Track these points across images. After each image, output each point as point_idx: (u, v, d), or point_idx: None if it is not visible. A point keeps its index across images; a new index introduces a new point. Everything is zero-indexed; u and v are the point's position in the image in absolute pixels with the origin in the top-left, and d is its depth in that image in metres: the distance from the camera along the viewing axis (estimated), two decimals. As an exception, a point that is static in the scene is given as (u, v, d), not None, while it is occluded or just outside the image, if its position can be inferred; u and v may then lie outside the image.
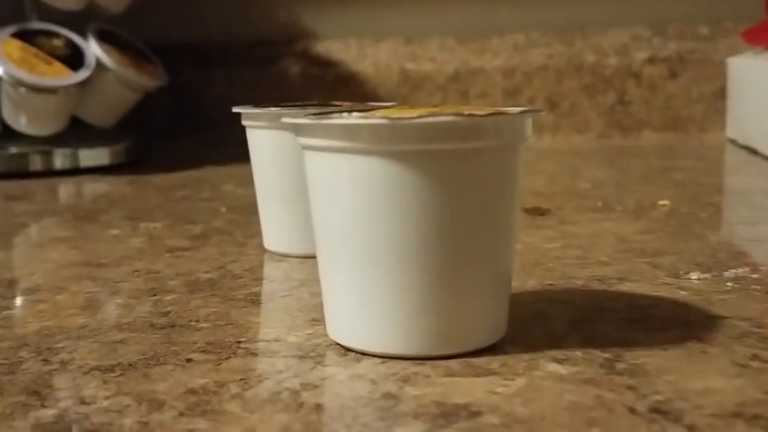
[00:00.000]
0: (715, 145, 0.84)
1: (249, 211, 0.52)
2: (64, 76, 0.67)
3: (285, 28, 0.97)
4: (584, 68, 0.92)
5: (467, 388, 0.22)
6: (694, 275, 0.34)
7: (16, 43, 0.68)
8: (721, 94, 0.90)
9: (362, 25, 0.96)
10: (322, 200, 0.25)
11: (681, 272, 0.35)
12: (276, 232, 0.39)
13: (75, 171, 0.73)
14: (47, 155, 0.72)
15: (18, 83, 0.66)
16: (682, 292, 0.32)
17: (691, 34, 0.92)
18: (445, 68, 0.94)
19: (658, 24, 0.92)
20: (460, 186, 0.24)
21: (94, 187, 0.67)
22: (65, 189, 0.66)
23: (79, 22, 0.73)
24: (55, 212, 0.55)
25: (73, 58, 0.69)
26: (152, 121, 0.96)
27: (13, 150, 0.71)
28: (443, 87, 0.94)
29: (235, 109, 0.39)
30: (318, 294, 0.32)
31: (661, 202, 0.53)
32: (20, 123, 0.70)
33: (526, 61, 0.93)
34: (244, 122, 0.39)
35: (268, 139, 0.38)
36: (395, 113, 0.24)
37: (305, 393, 0.22)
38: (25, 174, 0.71)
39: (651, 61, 0.92)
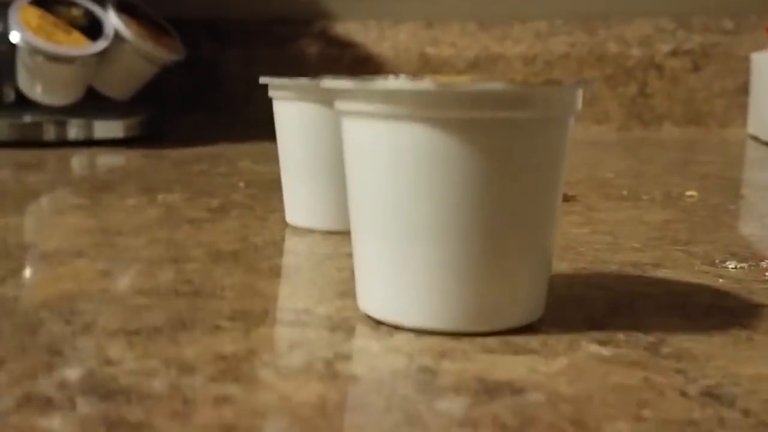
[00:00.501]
0: (736, 141, 0.83)
1: (268, 187, 0.51)
2: (82, 46, 0.66)
3: (305, 7, 0.96)
4: (606, 58, 0.91)
5: (507, 365, 0.21)
6: (730, 264, 0.33)
7: (35, 11, 0.67)
8: (743, 89, 0.89)
9: (382, 7, 0.95)
10: (360, 169, 0.24)
11: (717, 261, 0.34)
12: (300, 205, 0.38)
13: (89, 142, 0.72)
14: (61, 125, 0.71)
15: (35, 51, 0.65)
16: (721, 280, 0.31)
17: (716, 28, 0.90)
18: (465, 53, 0.92)
19: (683, 16, 0.90)
20: (505, 158, 0.23)
21: (108, 159, 0.66)
22: (79, 160, 0.65)
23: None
24: (70, 182, 0.54)
25: (92, 29, 0.68)
26: (167, 97, 0.95)
27: (27, 119, 0.71)
28: (463, 73, 0.93)
29: (262, 80, 0.38)
30: (344, 268, 0.31)
31: (688, 193, 0.52)
32: (36, 92, 0.69)
33: (547, 49, 0.91)
34: (271, 93, 0.38)
35: (294, 111, 0.37)
36: (442, 80, 0.23)
37: (339, 364, 0.21)
38: (39, 143, 0.70)
39: (674, 53, 0.90)
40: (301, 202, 0.38)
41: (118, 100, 0.75)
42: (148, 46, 0.71)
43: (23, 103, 0.71)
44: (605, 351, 0.23)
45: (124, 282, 0.29)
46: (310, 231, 0.38)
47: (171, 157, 0.65)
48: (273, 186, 0.51)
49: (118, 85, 0.73)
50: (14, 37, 0.65)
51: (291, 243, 0.36)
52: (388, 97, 0.23)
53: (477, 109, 0.22)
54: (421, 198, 0.23)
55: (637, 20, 0.91)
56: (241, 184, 0.52)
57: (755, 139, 0.82)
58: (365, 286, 0.25)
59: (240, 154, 0.67)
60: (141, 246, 0.35)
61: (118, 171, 0.58)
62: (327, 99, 0.36)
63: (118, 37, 0.69)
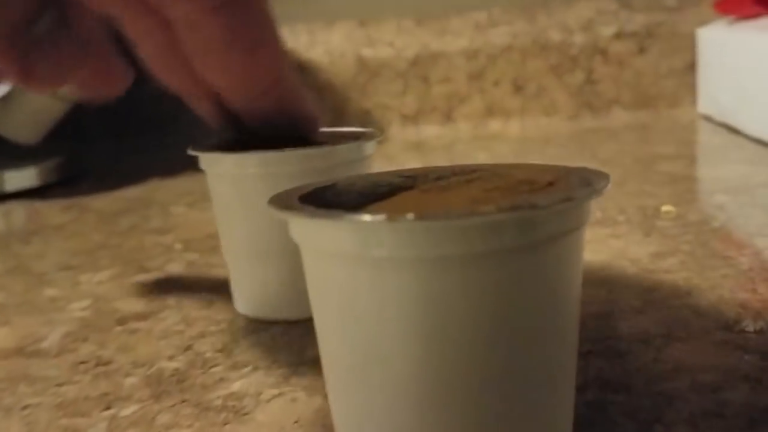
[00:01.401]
0: (687, 122, 0.80)
1: (208, 246, 0.45)
2: (-21, 92, 0.59)
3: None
4: (550, 47, 0.87)
5: None
6: (747, 325, 0.29)
7: None
8: (691, 67, 0.86)
9: (311, 9, 0.89)
10: (331, 320, 0.19)
11: (730, 321, 0.30)
12: (251, 292, 0.33)
13: (0, 196, 0.64)
14: (-33, 179, 0.63)
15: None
16: (746, 356, 0.27)
17: (658, 5, 0.87)
18: (405, 53, 0.87)
19: (625, -4, 0.87)
20: (515, 294, 0.18)
21: (23, 216, 0.59)
22: (-10, 221, 0.58)
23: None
24: (-20, 260, 0.47)
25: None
26: (84, 125, 0.87)
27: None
28: (403, 74, 0.88)
29: (191, 152, 0.32)
30: (315, 393, 0.26)
31: (664, 209, 0.48)
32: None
33: (489, 43, 0.87)
34: (203, 166, 0.32)
35: (232, 186, 0.31)
36: (424, 201, 0.18)
37: None
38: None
39: (618, 36, 0.87)
40: (252, 288, 0.33)
41: (26, 144, 0.67)
42: (56, 83, 0.63)
43: None
44: None
45: (44, 452, 0.23)
46: (265, 323, 0.32)
47: (94, 209, 0.58)
48: (212, 244, 0.45)
49: (25, 127, 0.65)
50: None
51: (245, 346, 0.30)
52: (363, 235, 0.17)
53: (472, 243, 0.17)
54: (412, 347, 0.18)
55: (577, 3, 0.87)
56: (178, 245, 0.46)
57: (708, 119, 0.80)
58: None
59: (173, 196, 0.61)
60: (65, 377, 0.29)
61: (36, 238, 0.52)
62: (269, 169, 0.30)
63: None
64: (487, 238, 0.17)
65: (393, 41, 0.88)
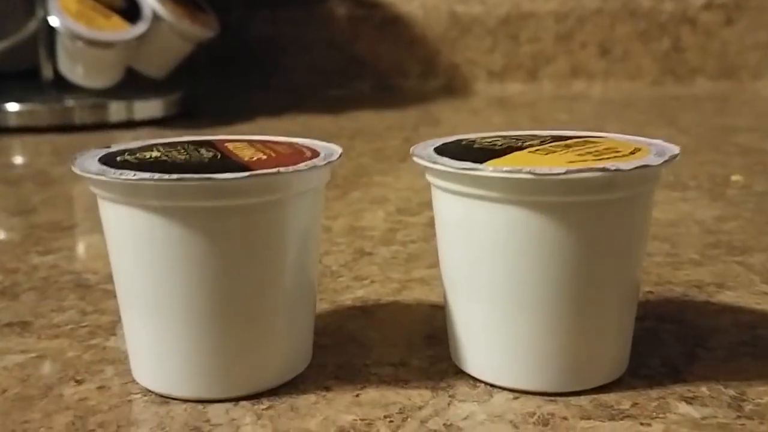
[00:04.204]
0: (769, 96, 0.83)
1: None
2: (122, 30, 0.66)
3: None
4: (639, 13, 0.90)
5: (607, 433, 0.23)
6: (790, 282, 0.35)
7: (72, -5, 0.67)
8: (778, 41, 0.88)
9: (410, -35, 0.93)
10: (452, 243, 0.25)
11: (776, 278, 0.35)
12: (149, 359, 0.25)
13: (129, 123, 0.73)
14: (102, 108, 0.72)
15: (76, 37, 0.65)
16: (784, 306, 0.32)
17: (751, -22, 0.89)
18: (496, 11, 0.91)
19: (718, -33, 0.89)
20: (597, 234, 0.24)
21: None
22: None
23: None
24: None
25: (130, 11, 0.68)
26: (197, 64, 0.95)
27: (68, 102, 0.71)
28: (493, 31, 0.92)
29: (75, 169, 0.25)
30: None
31: (733, 178, 0.53)
32: (77, 75, 0.69)
33: (579, 5, 0.90)
34: (93, 189, 0.25)
35: (129, 217, 0.24)
36: (531, 161, 0.24)
37: (453, 437, 0.23)
38: (79, 127, 0.71)
39: (707, 7, 0.89)
40: (150, 354, 0.25)
41: (154, 78, 0.75)
42: (185, 25, 0.71)
43: (63, 86, 0.72)
44: (694, 412, 0.24)
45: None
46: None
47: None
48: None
49: (155, 63, 0.73)
50: (54, 22, 0.65)
51: (368, 265, 0.37)
52: (486, 181, 0.24)
53: (570, 194, 0.23)
54: (522, 271, 0.24)
55: (671, -27, 0.89)
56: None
57: (790, 94, 0.82)
58: (463, 344, 0.26)
59: (282, 132, 0.68)
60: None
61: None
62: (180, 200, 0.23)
63: (155, 17, 0.69)
64: (579, 191, 0.23)
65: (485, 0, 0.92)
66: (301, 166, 0.24)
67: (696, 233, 0.42)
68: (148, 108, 0.73)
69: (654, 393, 0.25)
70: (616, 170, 0.23)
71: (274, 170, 0.24)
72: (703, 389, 0.26)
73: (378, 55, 0.92)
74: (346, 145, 0.63)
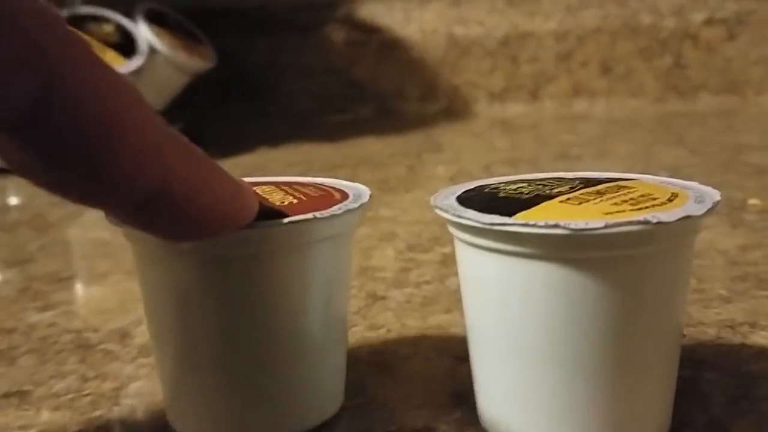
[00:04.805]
0: (776, 111, 0.81)
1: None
2: (119, 65, 0.65)
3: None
4: (639, 31, 0.89)
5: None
6: (827, 319, 0.33)
7: (63, 29, 0.65)
8: (781, 55, 0.87)
9: (407, -12, 0.92)
10: (482, 301, 0.24)
11: (812, 314, 0.34)
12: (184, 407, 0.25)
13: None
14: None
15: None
16: (826, 347, 0.31)
17: (751, -8, 0.88)
18: (495, 32, 0.90)
19: (718, -18, 0.88)
20: (638, 289, 0.22)
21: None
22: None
23: (123, 1, 0.70)
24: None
25: (125, 45, 0.66)
26: (196, 92, 0.94)
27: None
28: (492, 52, 0.91)
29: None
30: None
31: (750, 201, 0.51)
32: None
33: (579, 24, 0.89)
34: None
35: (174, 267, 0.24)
36: (564, 212, 0.23)
37: None
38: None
39: (708, 22, 0.88)
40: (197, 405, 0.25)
41: (152, 111, 0.74)
42: (182, 57, 0.69)
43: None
44: (746, 478, 0.23)
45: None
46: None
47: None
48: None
49: (152, 97, 0.72)
50: (46, 59, 0.64)
51: (382, 311, 0.36)
52: (522, 238, 0.22)
53: (610, 249, 0.22)
54: (562, 330, 0.22)
55: (670, -11, 0.89)
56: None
57: (796, 108, 0.81)
58: (490, 408, 0.25)
59: (283, 166, 0.67)
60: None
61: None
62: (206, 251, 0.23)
63: (151, 51, 0.67)
64: (619, 245, 0.21)
65: (484, 20, 0.91)
66: (335, 209, 0.24)
67: (721, 265, 0.40)
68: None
69: (702, 457, 0.24)
70: (658, 223, 0.21)
71: (310, 215, 0.23)
72: (755, 450, 0.24)
73: (377, 79, 0.90)
74: (350, 174, 0.62)
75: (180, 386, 0.25)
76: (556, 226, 0.21)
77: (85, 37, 0.65)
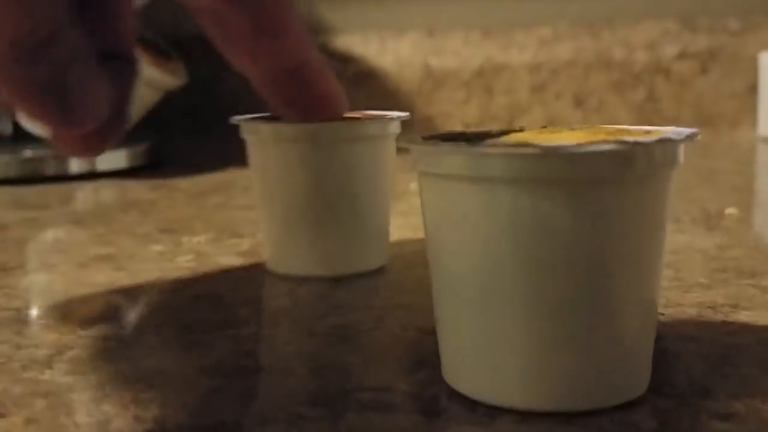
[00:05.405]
0: (748, 143, 0.82)
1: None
2: (84, 76, 0.63)
3: (304, 21, 0.93)
4: (613, 64, 0.89)
5: (637, 456, 0.19)
6: (810, 301, 0.31)
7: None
8: (752, 90, 0.87)
9: (383, 18, 0.93)
10: (444, 238, 0.22)
11: (794, 297, 0.32)
12: (296, 251, 0.36)
13: (91, 175, 0.69)
14: (62, 159, 0.68)
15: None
16: (809, 323, 0.29)
17: (721, 28, 0.89)
18: (469, 64, 0.91)
19: (688, 17, 0.89)
20: (613, 221, 0.21)
21: (116, 192, 0.63)
22: (86, 195, 0.62)
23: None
24: (86, 224, 0.51)
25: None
26: (166, 119, 0.92)
27: (27, 153, 0.68)
28: (467, 83, 0.91)
29: (233, 120, 0.37)
30: (407, 326, 0.29)
31: (727, 211, 0.50)
32: (37, 126, 0.66)
33: (553, 57, 0.90)
34: (244, 136, 0.37)
35: (275, 153, 0.35)
36: (537, 137, 0.21)
37: (453, 465, 0.19)
38: (39, 179, 0.68)
39: (681, 56, 0.89)
40: (294, 247, 0.36)
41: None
42: (152, 73, 0.68)
43: (22, 137, 0.68)
44: (735, 428, 0.21)
45: (183, 359, 0.27)
46: (306, 279, 0.35)
47: (182, 189, 0.63)
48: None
49: (120, 113, 0.70)
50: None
51: (337, 296, 0.34)
52: (491, 160, 0.20)
53: (583, 172, 0.20)
54: (522, 267, 0.21)
55: (642, 23, 0.90)
56: (265, 220, 0.50)
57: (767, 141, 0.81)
58: (457, 362, 0.23)
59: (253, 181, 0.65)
60: (184, 306, 0.32)
61: (133, 210, 0.56)
62: (307, 138, 0.34)
63: (119, 64, 0.66)
64: (593, 168, 0.20)
65: (459, 51, 0.91)
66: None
67: (700, 260, 0.39)
68: (112, 159, 0.69)
69: (684, 411, 0.22)
70: (635, 143, 0.20)
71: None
72: (739, 406, 0.22)
73: (352, 109, 0.90)
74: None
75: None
76: (527, 145, 0.20)
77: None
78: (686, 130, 0.22)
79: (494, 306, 0.21)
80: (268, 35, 0.26)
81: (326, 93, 0.30)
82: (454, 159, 0.21)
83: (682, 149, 0.22)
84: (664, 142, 0.20)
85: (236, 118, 0.36)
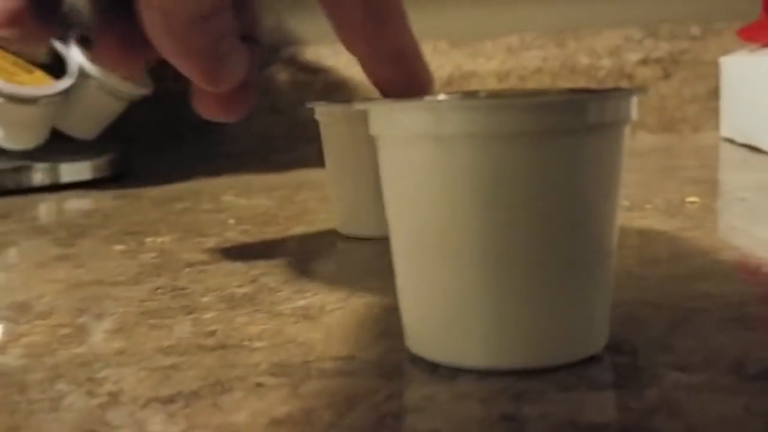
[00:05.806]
0: (711, 144, 0.83)
1: (261, 221, 0.48)
2: (46, 85, 0.63)
3: (272, 33, 0.94)
4: (578, 70, 0.91)
5: (595, 404, 0.19)
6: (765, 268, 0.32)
7: (-7, 52, 0.63)
8: (714, 93, 0.89)
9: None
10: (405, 192, 0.22)
11: (753, 267, 0.32)
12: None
13: (54, 187, 0.68)
14: (25, 170, 0.67)
15: (-4, 94, 0.62)
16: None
17: (683, 35, 0.91)
18: (438, 72, 0.91)
19: (650, 25, 0.91)
20: (566, 173, 0.21)
21: (79, 203, 0.62)
22: (49, 206, 0.62)
23: (60, 28, 0.69)
24: (46, 230, 0.50)
25: (55, 66, 0.65)
26: (133, 132, 0.92)
27: (-10, 166, 0.67)
28: (436, 92, 0.92)
29: (309, 105, 0.44)
30: (374, 305, 0.29)
31: (689, 199, 0.51)
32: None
33: (520, 64, 0.91)
34: (318, 117, 0.43)
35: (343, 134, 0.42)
36: (492, 94, 0.21)
37: (411, 416, 0.19)
38: (1, 191, 0.66)
39: (644, 62, 0.91)
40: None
41: (83, 139, 0.71)
42: (114, 82, 0.68)
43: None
44: (690, 378, 0.21)
45: (139, 339, 0.26)
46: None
47: (148, 197, 0.62)
48: (266, 220, 0.49)
49: (84, 124, 0.70)
50: (-28, 80, 0.61)
51: (310, 281, 0.33)
52: (439, 114, 0.21)
53: (535, 123, 0.20)
54: (481, 223, 0.21)
55: (606, 31, 0.91)
56: (231, 221, 0.49)
57: (730, 141, 0.83)
58: (418, 327, 0.23)
59: (221, 188, 0.64)
60: (145, 296, 0.32)
61: (96, 215, 0.55)
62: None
63: (82, 73, 0.66)
64: (546, 119, 0.20)
65: (428, 60, 0.92)
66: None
67: (660, 239, 0.39)
68: (76, 170, 0.68)
69: (642, 364, 0.22)
70: (586, 92, 0.20)
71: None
72: (697, 358, 0.22)
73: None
74: (291, 194, 0.60)
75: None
76: (474, 95, 0.20)
77: (11, 57, 0.64)
78: (636, 88, 0.23)
79: (454, 264, 0.21)
80: (378, 19, 0.29)
81: (423, 75, 0.32)
82: (411, 116, 0.21)
83: (634, 103, 0.22)
84: (616, 92, 0.21)
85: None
